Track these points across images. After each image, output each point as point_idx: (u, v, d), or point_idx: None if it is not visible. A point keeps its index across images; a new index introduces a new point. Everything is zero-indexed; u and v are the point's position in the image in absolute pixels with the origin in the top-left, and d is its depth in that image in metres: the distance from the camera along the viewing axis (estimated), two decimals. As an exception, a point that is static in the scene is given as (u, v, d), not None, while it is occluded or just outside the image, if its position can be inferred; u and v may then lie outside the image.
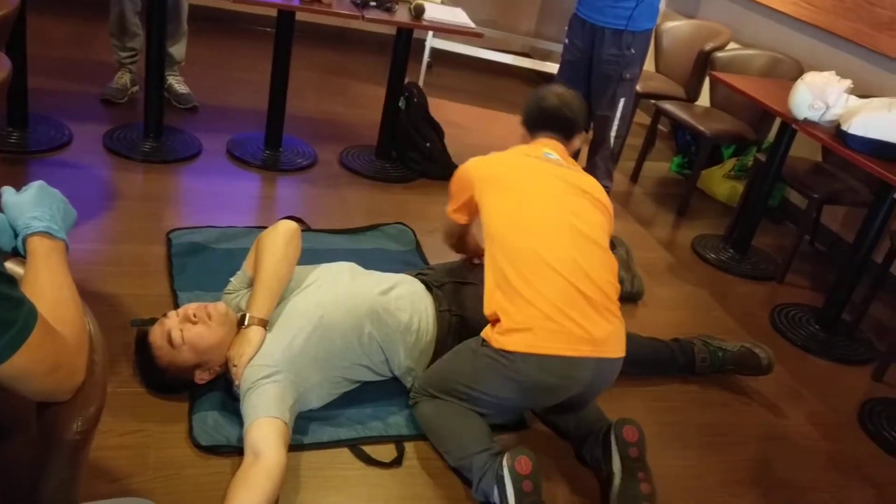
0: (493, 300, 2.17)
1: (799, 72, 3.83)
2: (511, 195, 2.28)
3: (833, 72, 3.14)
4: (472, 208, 2.41)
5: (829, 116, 3.03)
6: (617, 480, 2.05)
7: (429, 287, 2.45)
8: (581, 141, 2.57)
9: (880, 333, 3.36)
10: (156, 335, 2.12)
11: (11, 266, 1.24)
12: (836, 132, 2.96)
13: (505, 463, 1.92)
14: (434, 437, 2.19)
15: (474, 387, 2.14)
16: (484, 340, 2.15)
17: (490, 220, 2.27)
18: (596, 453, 2.18)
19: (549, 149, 2.45)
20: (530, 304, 2.08)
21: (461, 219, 2.50)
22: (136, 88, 4.04)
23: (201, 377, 2.14)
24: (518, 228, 2.21)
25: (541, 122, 2.54)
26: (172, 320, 2.11)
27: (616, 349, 2.15)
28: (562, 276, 2.11)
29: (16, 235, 1.23)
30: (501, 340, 2.09)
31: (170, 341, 2.08)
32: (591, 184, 2.37)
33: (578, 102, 2.56)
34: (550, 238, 2.17)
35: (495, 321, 2.15)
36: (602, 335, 2.10)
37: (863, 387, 2.96)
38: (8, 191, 1.28)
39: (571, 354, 2.06)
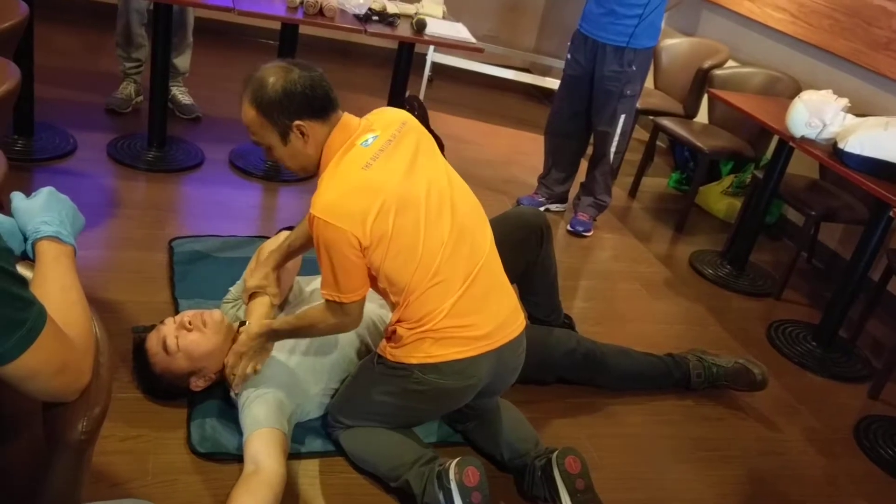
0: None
1: (797, 90, 3.86)
2: (390, 243, 1.90)
3: (830, 90, 3.17)
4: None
5: (826, 134, 3.06)
6: None
7: None
8: None
9: (877, 351, 3.38)
10: (152, 342, 2.13)
11: (21, 270, 1.25)
12: (833, 150, 2.98)
13: (452, 476, 1.89)
14: (366, 466, 2.10)
15: (383, 406, 2.07)
16: (380, 356, 2.06)
17: (385, 269, 1.94)
18: (539, 491, 2.07)
19: (361, 134, 2.01)
20: (423, 308, 1.95)
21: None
22: (140, 98, 4.07)
23: (196, 384, 2.15)
24: (411, 263, 1.93)
25: (321, 103, 1.97)
26: (168, 327, 2.13)
27: (512, 330, 2.05)
28: (451, 278, 1.95)
29: (25, 240, 1.25)
30: (396, 354, 2.01)
31: (165, 348, 2.09)
32: (406, 122, 2.15)
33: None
34: (437, 251, 1.95)
35: (395, 324, 2.02)
36: (494, 325, 2.00)
37: (859, 404, 2.98)
38: (17, 196, 1.29)
39: (466, 356, 1.97)
